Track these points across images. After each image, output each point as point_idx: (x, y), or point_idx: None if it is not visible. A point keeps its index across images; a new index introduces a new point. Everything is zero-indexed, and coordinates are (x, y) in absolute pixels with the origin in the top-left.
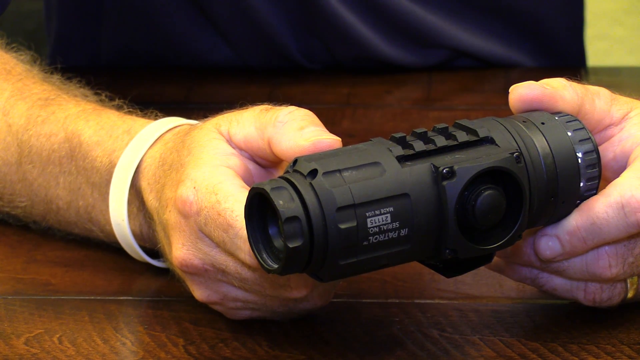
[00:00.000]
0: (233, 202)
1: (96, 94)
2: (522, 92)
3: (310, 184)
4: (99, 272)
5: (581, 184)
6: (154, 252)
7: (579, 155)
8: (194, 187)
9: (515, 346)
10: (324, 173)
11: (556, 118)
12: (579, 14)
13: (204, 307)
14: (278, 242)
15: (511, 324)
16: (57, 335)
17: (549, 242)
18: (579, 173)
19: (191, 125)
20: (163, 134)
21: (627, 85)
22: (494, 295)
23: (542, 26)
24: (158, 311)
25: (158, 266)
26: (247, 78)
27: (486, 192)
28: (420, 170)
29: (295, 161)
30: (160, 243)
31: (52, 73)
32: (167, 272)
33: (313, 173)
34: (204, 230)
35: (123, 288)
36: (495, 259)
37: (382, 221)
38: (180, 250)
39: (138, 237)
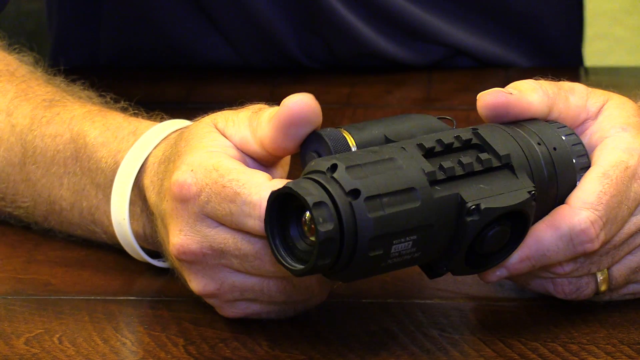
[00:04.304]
0: (237, 173)
1: (101, 95)
2: (488, 99)
3: (351, 204)
4: (99, 272)
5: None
6: (155, 252)
7: (574, 161)
8: (191, 170)
9: (515, 346)
10: (366, 198)
11: (556, 129)
12: (577, 14)
13: (204, 307)
14: (301, 244)
15: (511, 324)
16: (57, 335)
17: (497, 272)
18: (575, 181)
19: None
20: (168, 135)
21: (627, 85)
22: (494, 295)
23: (539, 26)
24: (158, 311)
25: (158, 266)
26: (247, 78)
27: (497, 228)
28: (448, 200)
29: (334, 166)
30: (160, 237)
31: (55, 75)
32: (167, 272)
33: (355, 193)
34: (206, 209)
35: (123, 288)
36: None
37: (404, 248)
38: (178, 236)
39: (140, 237)
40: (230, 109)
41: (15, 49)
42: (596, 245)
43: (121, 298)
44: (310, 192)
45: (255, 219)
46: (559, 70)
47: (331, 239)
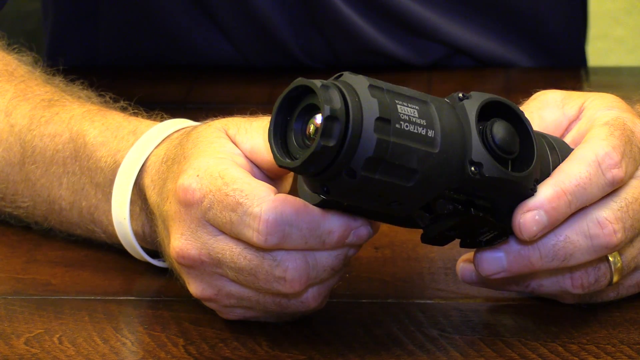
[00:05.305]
0: (242, 183)
1: (100, 95)
2: None
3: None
4: (99, 272)
5: None
6: (155, 252)
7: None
8: (197, 175)
9: (515, 346)
10: (370, 86)
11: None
12: (580, 13)
13: (204, 307)
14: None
15: (511, 324)
16: (57, 335)
17: (536, 217)
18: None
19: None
20: (170, 134)
21: (627, 85)
22: (494, 295)
23: (541, 25)
24: (158, 311)
25: (158, 266)
26: (247, 78)
27: (497, 121)
28: (440, 99)
29: (340, 75)
30: (159, 237)
31: (54, 75)
32: (167, 272)
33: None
34: (208, 215)
35: (123, 288)
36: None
37: (410, 112)
38: (179, 240)
39: (140, 237)
40: (242, 117)
41: (14, 49)
42: (621, 172)
43: (121, 298)
44: (316, 81)
45: (254, 231)
46: (560, 70)
47: (336, 118)
